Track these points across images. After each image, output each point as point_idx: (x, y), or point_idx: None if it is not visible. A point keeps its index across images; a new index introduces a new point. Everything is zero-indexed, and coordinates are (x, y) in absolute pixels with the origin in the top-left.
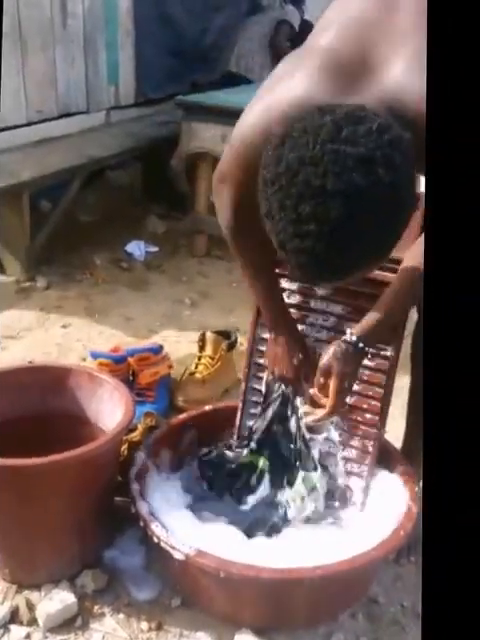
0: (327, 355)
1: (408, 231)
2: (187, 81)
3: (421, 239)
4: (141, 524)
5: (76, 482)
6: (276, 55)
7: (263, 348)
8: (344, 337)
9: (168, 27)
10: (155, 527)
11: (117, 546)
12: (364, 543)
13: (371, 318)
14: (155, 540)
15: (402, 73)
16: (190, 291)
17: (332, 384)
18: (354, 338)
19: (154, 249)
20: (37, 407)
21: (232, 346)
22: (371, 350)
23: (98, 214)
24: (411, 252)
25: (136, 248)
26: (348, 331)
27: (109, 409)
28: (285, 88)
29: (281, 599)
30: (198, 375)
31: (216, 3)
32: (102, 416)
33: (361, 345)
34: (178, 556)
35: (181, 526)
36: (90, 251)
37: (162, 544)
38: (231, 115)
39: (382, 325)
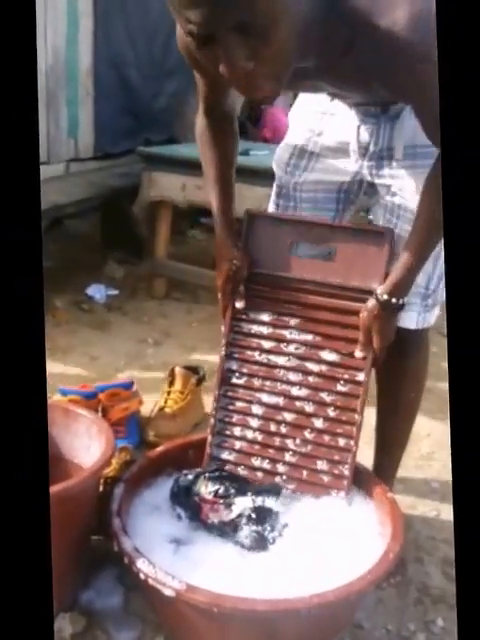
0: (365, 315)
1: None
2: (141, 139)
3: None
4: (126, 561)
5: (53, 523)
6: None
7: (232, 381)
8: (376, 296)
9: (124, 89)
10: (141, 564)
11: (93, 587)
12: (352, 562)
13: (396, 276)
14: (142, 577)
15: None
16: (152, 331)
17: (375, 340)
18: (385, 297)
19: (114, 292)
20: None
21: (201, 381)
22: (345, 376)
23: (58, 260)
24: (423, 203)
25: (96, 291)
26: (378, 291)
27: (85, 444)
28: None
29: (274, 631)
30: (168, 410)
31: (169, 69)
32: (77, 452)
33: (394, 300)
34: (168, 593)
35: (168, 560)
36: (51, 294)
37: (150, 581)
38: (190, 166)
39: (406, 280)
